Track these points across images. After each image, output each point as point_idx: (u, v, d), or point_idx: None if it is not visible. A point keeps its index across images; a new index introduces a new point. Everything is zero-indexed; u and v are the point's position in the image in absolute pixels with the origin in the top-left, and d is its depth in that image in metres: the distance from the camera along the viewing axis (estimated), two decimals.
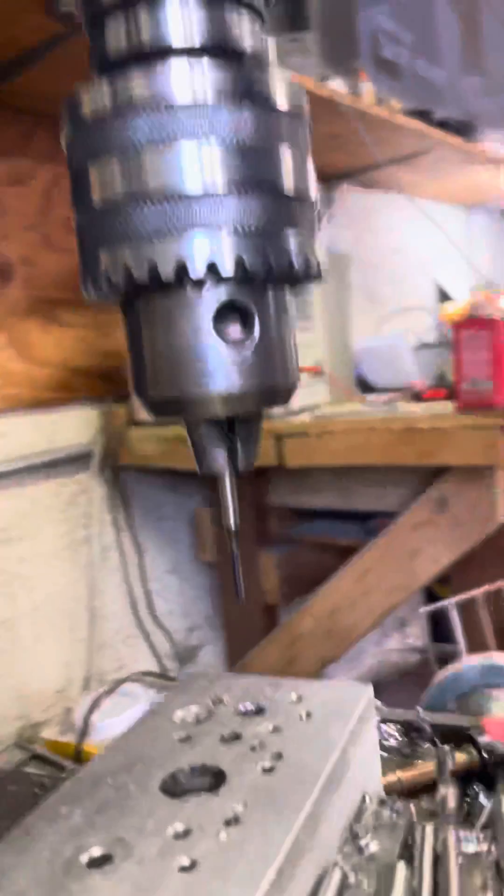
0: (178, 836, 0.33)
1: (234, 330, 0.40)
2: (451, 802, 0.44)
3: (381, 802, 0.41)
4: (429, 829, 0.39)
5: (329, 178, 2.42)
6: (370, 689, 0.44)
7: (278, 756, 0.39)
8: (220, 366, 0.40)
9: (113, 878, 0.31)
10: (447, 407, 1.53)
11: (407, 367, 2.00)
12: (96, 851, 0.33)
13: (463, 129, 2.24)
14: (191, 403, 0.41)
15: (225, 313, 0.39)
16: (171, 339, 0.40)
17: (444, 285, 2.69)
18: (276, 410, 1.65)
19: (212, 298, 0.39)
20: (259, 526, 1.85)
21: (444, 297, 2.67)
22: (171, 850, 0.32)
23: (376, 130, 2.01)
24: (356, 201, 2.48)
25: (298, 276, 0.41)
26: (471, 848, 0.38)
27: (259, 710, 0.44)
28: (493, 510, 1.46)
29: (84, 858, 0.33)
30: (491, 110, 2.21)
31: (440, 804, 0.45)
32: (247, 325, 0.40)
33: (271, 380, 0.41)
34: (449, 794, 0.45)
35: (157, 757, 0.40)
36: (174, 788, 0.38)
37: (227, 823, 0.34)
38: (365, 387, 2.03)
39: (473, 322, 1.52)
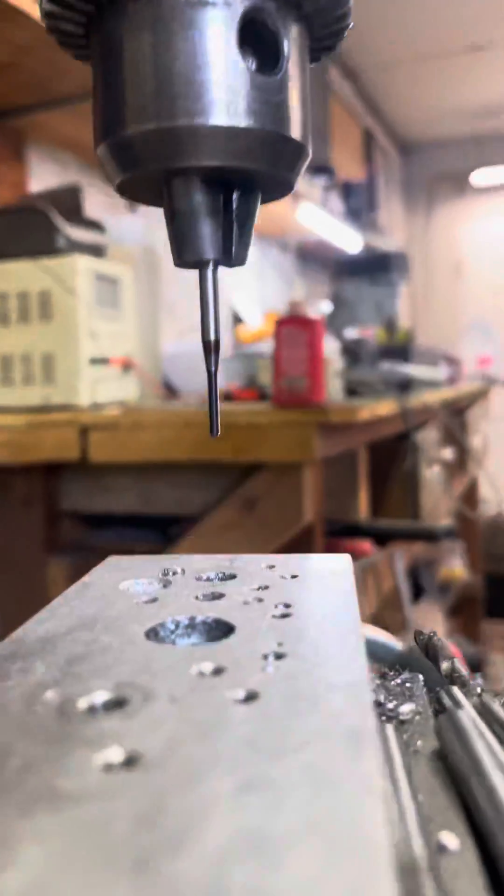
0: (207, 675, 0.24)
1: (255, 57, 0.32)
2: None
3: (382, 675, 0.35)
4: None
5: None
6: (349, 557, 0.38)
7: (286, 605, 0.31)
8: (236, 93, 0.32)
9: (143, 719, 0.21)
10: (262, 406, 1.54)
11: None
12: (100, 696, 0.22)
13: None
14: (190, 139, 0.32)
15: (246, 34, 0.32)
16: (173, 53, 0.31)
17: (238, 309, 2.75)
18: (82, 402, 1.54)
19: (238, 4, 0.32)
20: (49, 532, 1.71)
21: (237, 320, 2.73)
22: (211, 686, 0.23)
23: None
24: (160, 214, 2.47)
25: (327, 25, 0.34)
26: None
27: (230, 577, 0.35)
28: (300, 510, 1.47)
29: (83, 704, 0.22)
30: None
31: None
32: (269, 56, 0.33)
33: (289, 131, 0.34)
34: None
35: (120, 616, 0.30)
36: (167, 641, 0.28)
37: (270, 658, 0.25)
38: (170, 392, 1.98)
39: (293, 320, 1.56)
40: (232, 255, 0.36)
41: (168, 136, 0.32)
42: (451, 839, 0.23)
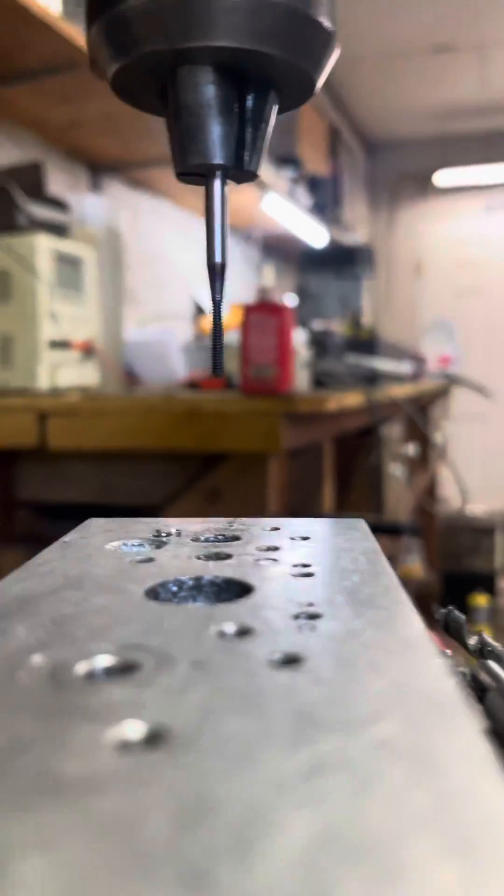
0: (230, 636, 0.19)
1: None
2: None
3: None
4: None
5: (97, 166, 2.31)
6: (363, 521, 0.33)
7: (304, 565, 0.26)
8: None
9: (163, 687, 0.16)
10: (228, 395, 1.51)
11: (175, 362, 1.95)
12: (103, 661, 0.18)
13: None
14: (203, 13, 0.26)
15: None
16: None
17: (200, 300, 2.70)
18: (41, 386, 1.48)
19: None
20: (4, 522, 1.63)
21: (199, 310, 2.68)
22: (240, 649, 0.18)
23: (155, 122, 1.95)
24: (124, 199, 2.40)
25: None
26: None
27: (233, 538, 0.30)
28: (264, 502, 1.44)
29: (80, 670, 0.17)
30: None
31: None
32: None
33: (320, 14, 0.29)
34: None
35: (112, 576, 0.25)
36: (171, 601, 0.23)
37: (302, 618, 0.21)
38: (132, 380, 1.93)
39: (263, 307, 1.52)
40: (244, 160, 0.31)
41: (177, 8, 0.27)
42: None
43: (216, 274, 0.32)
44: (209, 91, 0.29)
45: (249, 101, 0.31)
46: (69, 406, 1.41)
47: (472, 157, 4.43)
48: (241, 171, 0.31)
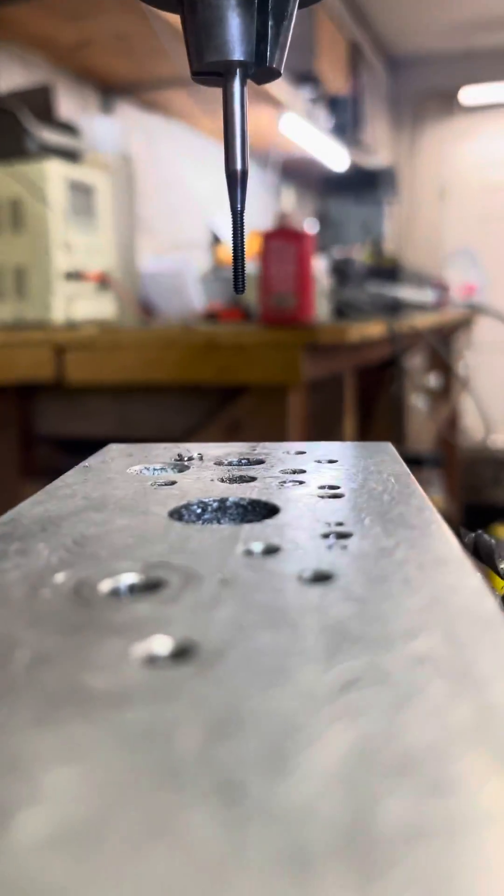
0: (258, 555, 0.19)
1: None
2: None
3: None
4: None
5: (108, 88, 2.22)
6: (390, 445, 0.33)
7: (332, 487, 0.25)
8: None
9: (190, 603, 0.16)
10: (247, 327, 1.49)
11: (192, 293, 1.91)
12: (128, 579, 0.17)
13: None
14: None
15: None
16: None
17: (217, 229, 2.63)
18: (56, 319, 1.46)
19: None
20: (25, 455, 1.64)
21: (216, 240, 2.61)
22: (268, 567, 0.18)
23: (169, 41, 1.87)
24: (136, 121, 2.32)
25: None
26: None
27: (257, 462, 0.30)
28: (285, 434, 1.43)
29: (105, 587, 0.17)
30: None
31: None
32: None
33: None
34: None
35: (135, 498, 0.24)
36: (195, 523, 0.23)
37: (332, 537, 0.20)
38: (149, 312, 1.90)
39: (282, 233, 1.48)
40: (266, 57, 0.29)
41: None
42: None
43: (236, 182, 0.30)
44: None
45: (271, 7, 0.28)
46: (86, 339, 1.40)
47: (499, 72, 4.21)
48: (262, 70, 0.29)
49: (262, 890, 0.08)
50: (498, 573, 0.31)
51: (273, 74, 0.30)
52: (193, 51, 0.29)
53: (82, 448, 1.44)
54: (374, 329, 1.63)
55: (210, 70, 0.29)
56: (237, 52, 0.28)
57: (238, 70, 0.29)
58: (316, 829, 0.09)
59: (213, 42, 0.28)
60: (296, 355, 1.35)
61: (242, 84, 0.29)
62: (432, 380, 2.24)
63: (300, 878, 0.08)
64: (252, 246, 2.26)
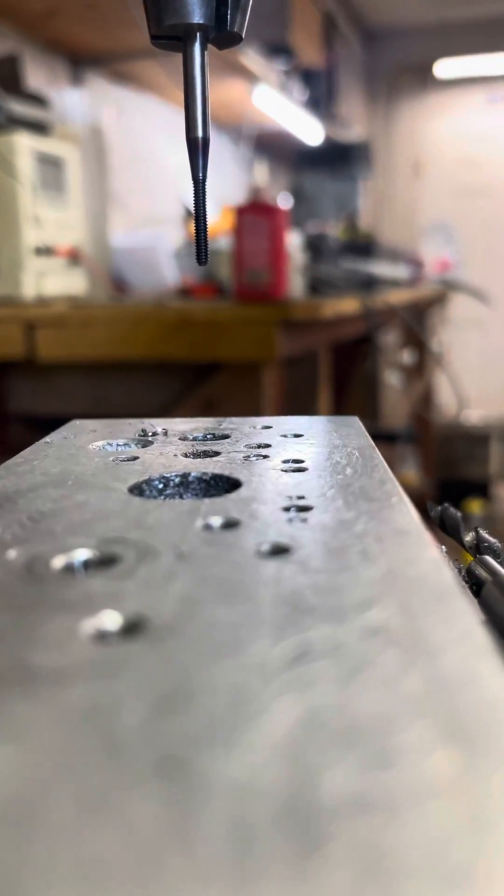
0: (217, 529, 0.18)
1: None
2: None
3: None
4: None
5: (78, 59, 2.17)
6: (357, 418, 0.32)
7: (296, 461, 0.25)
8: None
9: (144, 578, 0.15)
10: (221, 303, 1.47)
11: (165, 268, 1.89)
12: (81, 554, 0.17)
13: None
14: None
15: None
16: None
17: (190, 204, 2.59)
18: (26, 295, 1.44)
19: None
20: None
21: (189, 214, 2.58)
22: (226, 541, 0.18)
23: (139, 10, 1.82)
24: (107, 93, 2.27)
25: None
26: None
27: (223, 437, 0.29)
28: (259, 411, 1.42)
29: (57, 563, 0.17)
30: None
31: None
32: None
33: None
34: None
35: (95, 474, 0.24)
36: (156, 498, 0.22)
37: (292, 511, 0.20)
38: (120, 288, 1.87)
39: (255, 207, 1.46)
40: (227, 21, 0.28)
41: None
42: None
43: (197, 149, 0.29)
44: None
45: None
46: (57, 316, 1.38)
47: (475, 45, 4.18)
48: (223, 34, 0.28)
49: (201, 866, 0.08)
50: (463, 546, 0.31)
51: (235, 39, 0.29)
52: (153, 14, 0.28)
53: (56, 426, 1.42)
54: (348, 305, 1.62)
55: (170, 34, 0.28)
56: (197, 15, 0.27)
57: (198, 33, 0.28)
58: (257, 802, 0.09)
59: (173, 4, 0.27)
60: (270, 332, 1.34)
61: (203, 48, 0.28)
62: (407, 356, 2.24)
63: (239, 853, 0.08)
64: (225, 221, 2.23)
